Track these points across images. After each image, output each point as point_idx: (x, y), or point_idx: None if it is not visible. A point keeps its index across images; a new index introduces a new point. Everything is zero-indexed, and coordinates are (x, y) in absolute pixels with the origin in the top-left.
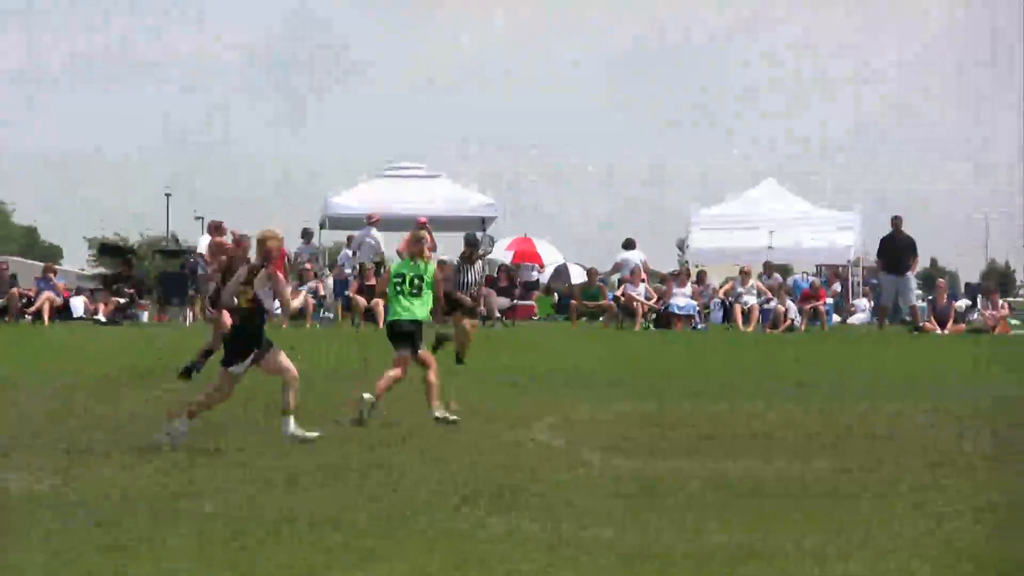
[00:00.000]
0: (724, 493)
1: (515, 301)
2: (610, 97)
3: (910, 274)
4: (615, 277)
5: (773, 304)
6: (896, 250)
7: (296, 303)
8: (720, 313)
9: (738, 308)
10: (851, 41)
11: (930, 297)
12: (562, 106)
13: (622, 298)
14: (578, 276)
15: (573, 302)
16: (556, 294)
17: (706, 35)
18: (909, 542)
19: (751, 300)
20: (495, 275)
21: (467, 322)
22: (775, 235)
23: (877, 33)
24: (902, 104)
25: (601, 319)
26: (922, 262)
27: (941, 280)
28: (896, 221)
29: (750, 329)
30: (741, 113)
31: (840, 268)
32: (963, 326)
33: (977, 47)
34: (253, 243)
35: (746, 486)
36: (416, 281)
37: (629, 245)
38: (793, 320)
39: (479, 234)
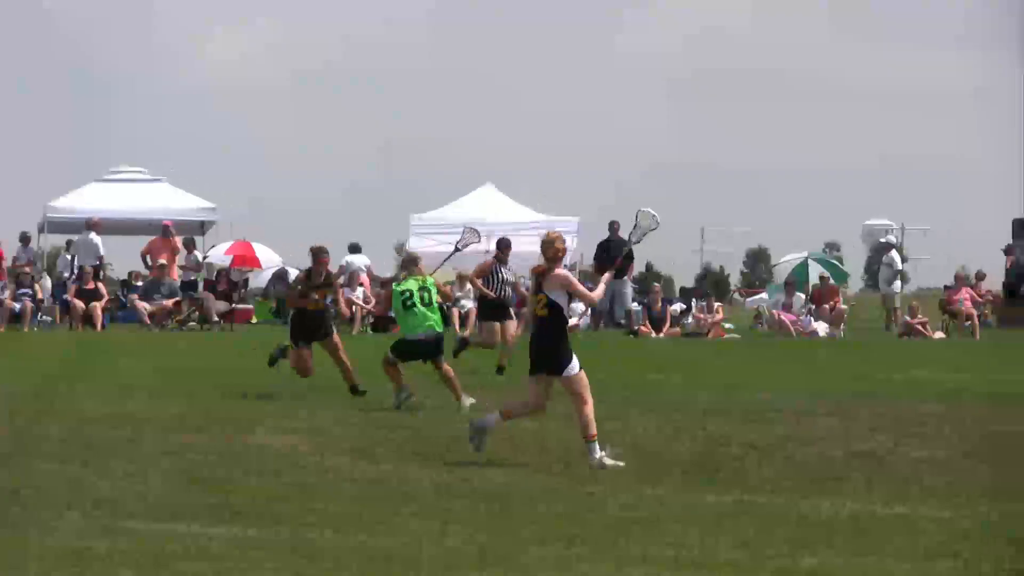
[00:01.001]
0: (467, 498)
1: (233, 305)
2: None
3: (627, 278)
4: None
5: None
6: (613, 255)
7: (598, 293)
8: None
9: (456, 312)
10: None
11: (645, 301)
12: (282, 111)
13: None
14: None
15: None
16: (274, 298)
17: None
18: (616, 543)
19: (468, 304)
20: (214, 279)
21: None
22: (493, 240)
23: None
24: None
25: None
26: (638, 267)
27: (656, 284)
28: (614, 226)
29: (467, 332)
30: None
31: None
32: (678, 330)
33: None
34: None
35: (488, 490)
36: (426, 294)
37: (354, 249)
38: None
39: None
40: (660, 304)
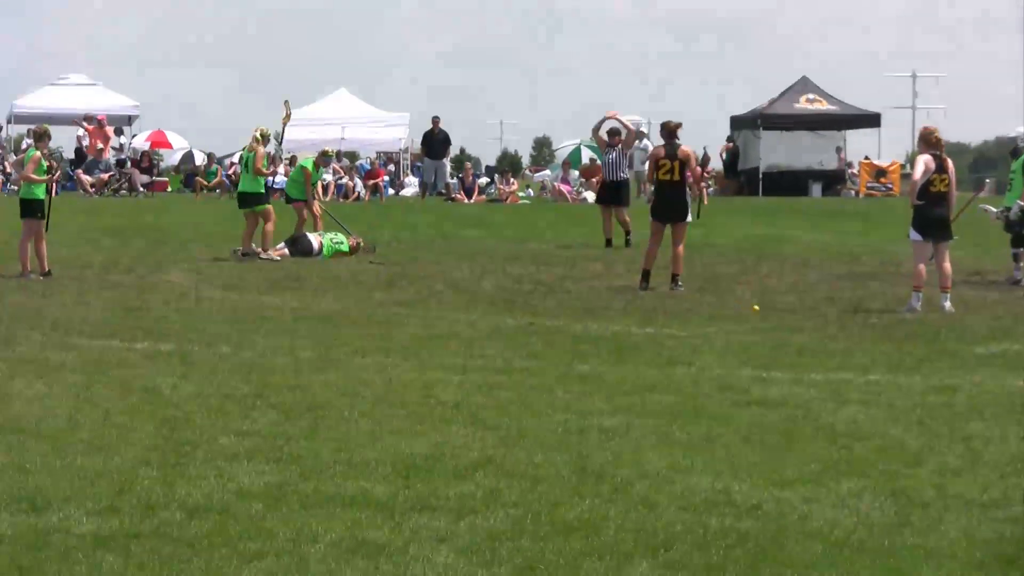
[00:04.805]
0: (311, 321)
1: (153, 178)
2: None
3: (445, 160)
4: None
5: (345, 180)
6: (435, 142)
7: None
8: None
9: (320, 184)
10: None
11: (460, 175)
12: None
13: (233, 176)
14: (201, 159)
15: (197, 178)
16: (183, 173)
17: None
18: (429, 340)
19: (328, 177)
20: (139, 158)
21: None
22: (347, 129)
23: None
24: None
25: (217, 192)
26: (454, 150)
27: (468, 163)
28: (435, 120)
29: (327, 199)
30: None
31: (394, 154)
32: (484, 197)
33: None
34: None
35: (327, 315)
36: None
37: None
38: (360, 193)
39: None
40: (471, 178)
